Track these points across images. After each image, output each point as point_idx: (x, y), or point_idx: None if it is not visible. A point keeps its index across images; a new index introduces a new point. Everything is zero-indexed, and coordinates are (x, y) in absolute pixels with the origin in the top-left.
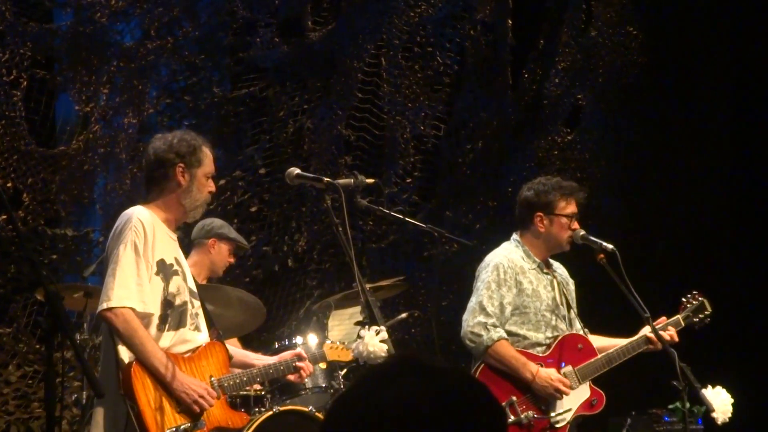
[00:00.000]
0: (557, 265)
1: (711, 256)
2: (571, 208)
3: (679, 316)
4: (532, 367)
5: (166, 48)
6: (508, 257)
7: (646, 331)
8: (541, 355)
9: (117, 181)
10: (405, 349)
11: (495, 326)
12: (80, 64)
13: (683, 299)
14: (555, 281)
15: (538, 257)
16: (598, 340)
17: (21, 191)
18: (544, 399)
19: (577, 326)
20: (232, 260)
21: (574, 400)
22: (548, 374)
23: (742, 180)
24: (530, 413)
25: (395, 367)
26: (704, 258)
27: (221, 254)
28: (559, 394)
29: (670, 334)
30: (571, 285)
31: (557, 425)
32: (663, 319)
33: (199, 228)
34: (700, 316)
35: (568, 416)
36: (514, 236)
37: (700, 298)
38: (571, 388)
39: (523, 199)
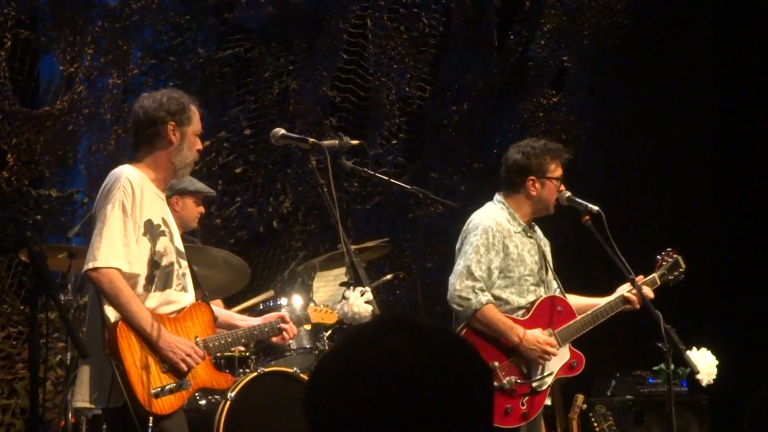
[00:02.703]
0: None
1: (695, 217)
2: (560, 171)
3: (654, 275)
4: (519, 330)
5: (151, 8)
6: (496, 220)
7: (622, 290)
8: (521, 319)
9: (101, 141)
10: (392, 309)
11: (483, 290)
12: (64, 25)
13: (658, 257)
14: (538, 244)
15: (523, 220)
16: (573, 299)
17: (5, 152)
18: (526, 363)
19: (554, 287)
20: (202, 210)
21: (555, 363)
22: (535, 337)
23: (725, 141)
24: (513, 378)
25: (382, 325)
26: (688, 219)
27: (187, 208)
28: (547, 356)
29: (645, 292)
30: (548, 246)
31: (538, 389)
32: (640, 278)
33: None
34: (675, 273)
35: (549, 380)
36: (498, 197)
37: (674, 255)
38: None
39: (513, 163)
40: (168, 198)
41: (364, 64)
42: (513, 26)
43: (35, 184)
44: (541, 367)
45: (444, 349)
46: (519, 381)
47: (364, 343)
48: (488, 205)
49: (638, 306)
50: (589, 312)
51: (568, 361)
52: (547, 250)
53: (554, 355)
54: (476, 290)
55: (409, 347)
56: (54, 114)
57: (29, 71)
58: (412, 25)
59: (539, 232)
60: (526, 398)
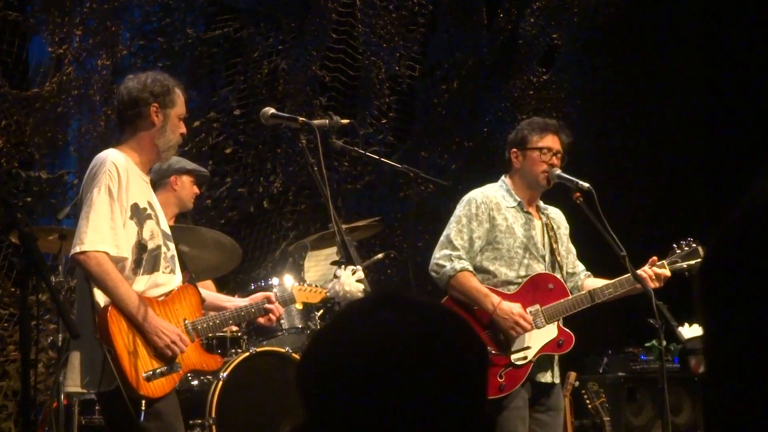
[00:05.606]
0: (553, 210)
1: (686, 194)
2: (544, 143)
3: (663, 261)
4: (494, 298)
5: None
6: (483, 193)
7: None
8: (509, 293)
9: (91, 123)
10: (383, 287)
11: (460, 258)
12: (53, 6)
13: (674, 245)
14: (540, 222)
15: (519, 196)
16: (598, 283)
17: None
18: (504, 336)
19: (563, 271)
20: (197, 191)
21: (537, 340)
22: (510, 307)
23: (716, 117)
24: (488, 349)
25: (374, 302)
26: (678, 197)
27: (185, 188)
28: (519, 328)
29: (654, 270)
30: (564, 229)
31: (518, 363)
32: (654, 259)
33: (156, 170)
34: (691, 262)
35: (530, 355)
36: (502, 176)
37: (693, 245)
38: (537, 327)
39: (506, 141)
40: (166, 177)
41: (354, 44)
42: (502, 4)
43: (25, 166)
44: (519, 340)
45: (438, 324)
46: (494, 352)
47: (358, 319)
48: (488, 185)
49: (652, 285)
50: (585, 291)
51: (555, 338)
52: (561, 233)
53: (526, 329)
54: (452, 258)
55: (402, 323)
56: (43, 96)
57: (18, 53)
58: (401, 3)
59: (555, 215)
60: (505, 371)
